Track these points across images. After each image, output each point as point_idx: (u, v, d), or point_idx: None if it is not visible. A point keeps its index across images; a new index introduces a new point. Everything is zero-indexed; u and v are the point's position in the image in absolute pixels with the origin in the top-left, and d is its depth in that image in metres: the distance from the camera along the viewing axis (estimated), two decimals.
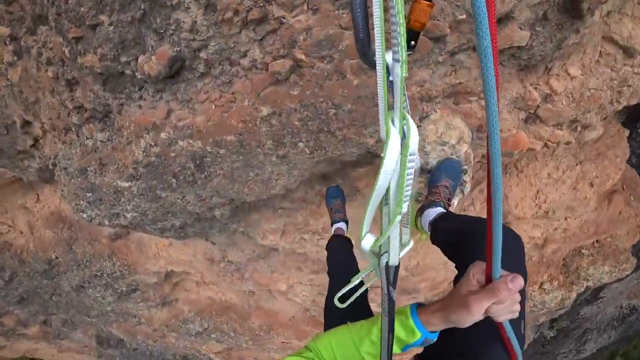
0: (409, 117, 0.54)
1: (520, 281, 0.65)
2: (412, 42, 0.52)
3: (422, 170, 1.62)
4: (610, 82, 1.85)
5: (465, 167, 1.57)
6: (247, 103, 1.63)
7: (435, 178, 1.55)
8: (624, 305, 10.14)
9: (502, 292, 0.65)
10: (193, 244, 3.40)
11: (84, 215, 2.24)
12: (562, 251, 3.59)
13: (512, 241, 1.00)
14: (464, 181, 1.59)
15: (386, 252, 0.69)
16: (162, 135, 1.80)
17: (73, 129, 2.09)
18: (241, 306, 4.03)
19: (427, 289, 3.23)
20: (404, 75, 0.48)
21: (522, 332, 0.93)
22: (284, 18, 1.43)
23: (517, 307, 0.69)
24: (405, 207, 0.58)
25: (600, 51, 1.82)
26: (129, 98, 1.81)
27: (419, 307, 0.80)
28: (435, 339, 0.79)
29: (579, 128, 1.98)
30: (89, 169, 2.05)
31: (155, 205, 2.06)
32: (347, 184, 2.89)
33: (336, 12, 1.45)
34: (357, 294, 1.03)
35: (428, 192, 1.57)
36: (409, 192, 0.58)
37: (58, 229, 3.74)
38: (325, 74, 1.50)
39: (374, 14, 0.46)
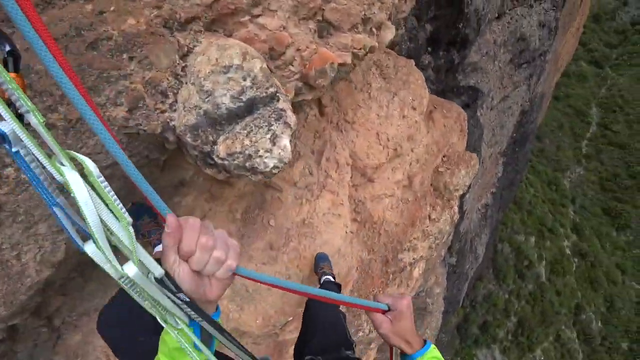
0: (71, 152, 0.48)
1: (169, 218, 0.55)
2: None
3: (217, 120, 1.01)
4: None
5: (271, 88, 1.04)
6: None
7: None
8: (480, 208, 12.00)
9: (164, 237, 0.56)
10: None
11: None
12: (426, 179, 3.58)
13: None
14: (281, 109, 1.05)
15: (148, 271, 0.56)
16: None
17: None
18: None
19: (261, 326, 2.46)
20: (42, 120, 0.46)
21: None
22: None
23: (219, 255, 0.58)
24: (128, 217, 0.50)
25: None
26: None
27: None
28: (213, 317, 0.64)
29: (374, 29, 1.72)
30: None
31: None
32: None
33: None
34: None
35: None
36: (120, 204, 0.49)
37: None
38: None
39: None
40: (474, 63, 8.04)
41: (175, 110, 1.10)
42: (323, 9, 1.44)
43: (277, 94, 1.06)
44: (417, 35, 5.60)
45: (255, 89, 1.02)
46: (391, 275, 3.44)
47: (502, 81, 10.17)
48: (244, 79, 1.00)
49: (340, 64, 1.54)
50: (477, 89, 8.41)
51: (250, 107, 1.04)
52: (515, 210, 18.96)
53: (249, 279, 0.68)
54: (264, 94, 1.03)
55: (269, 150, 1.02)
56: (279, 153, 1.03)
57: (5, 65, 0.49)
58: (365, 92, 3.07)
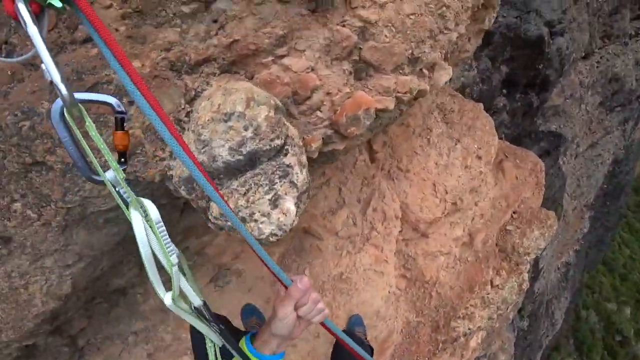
0: (141, 200, 0.56)
1: (304, 279, 0.71)
2: (123, 159, 0.60)
3: (214, 173, 0.84)
4: (426, 7, 1.41)
5: (277, 140, 0.83)
6: None
7: None
8: (559, 267, 10.27)
9: (294, 291, 0.71)
10: None
11: None
12: (491, 237, 3.04)
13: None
14: (288, 165, 0.84)
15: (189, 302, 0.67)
16: None
17: None
18: None
19: None
20: (122, 176, 0.55)
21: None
22: None
23: (322, 306, 0.74)
24: (174, 259, 0.59)
25: None
26: None
27: (253, 335, 0.79)
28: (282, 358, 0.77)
29: (424, 70, 1.46)
30: None
31: None
32: (205, 261, 1.96)
33: None
34: None
35: None
36: (171, 248, 0.59)
37: None
38: None
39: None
40: (556, 106, 7.16)
41: (175, 159, 0.96)
42: (360, 48, 1.23)
43: (286, 147, 0.86)
44: (490, 77, 5.14)
45: (257, 141, 0.83)
46: (441, 344, 2.89)
47: (590, 126, 8.88)
48: (246, 129, 0.82)
49: (380, 110, 1.30)
50: (559, 134, 7.43)
51: (252, 161, 0.85)
52: (604, 273, 16.00)
53: (325, 327, 0.80)
54: (268, 147, 0.83)
55: (267, 215, 0.81)
56: (279, 219, 0.81)
57: (116, 124, 0.58)
58: (424, 137, 2.76)
